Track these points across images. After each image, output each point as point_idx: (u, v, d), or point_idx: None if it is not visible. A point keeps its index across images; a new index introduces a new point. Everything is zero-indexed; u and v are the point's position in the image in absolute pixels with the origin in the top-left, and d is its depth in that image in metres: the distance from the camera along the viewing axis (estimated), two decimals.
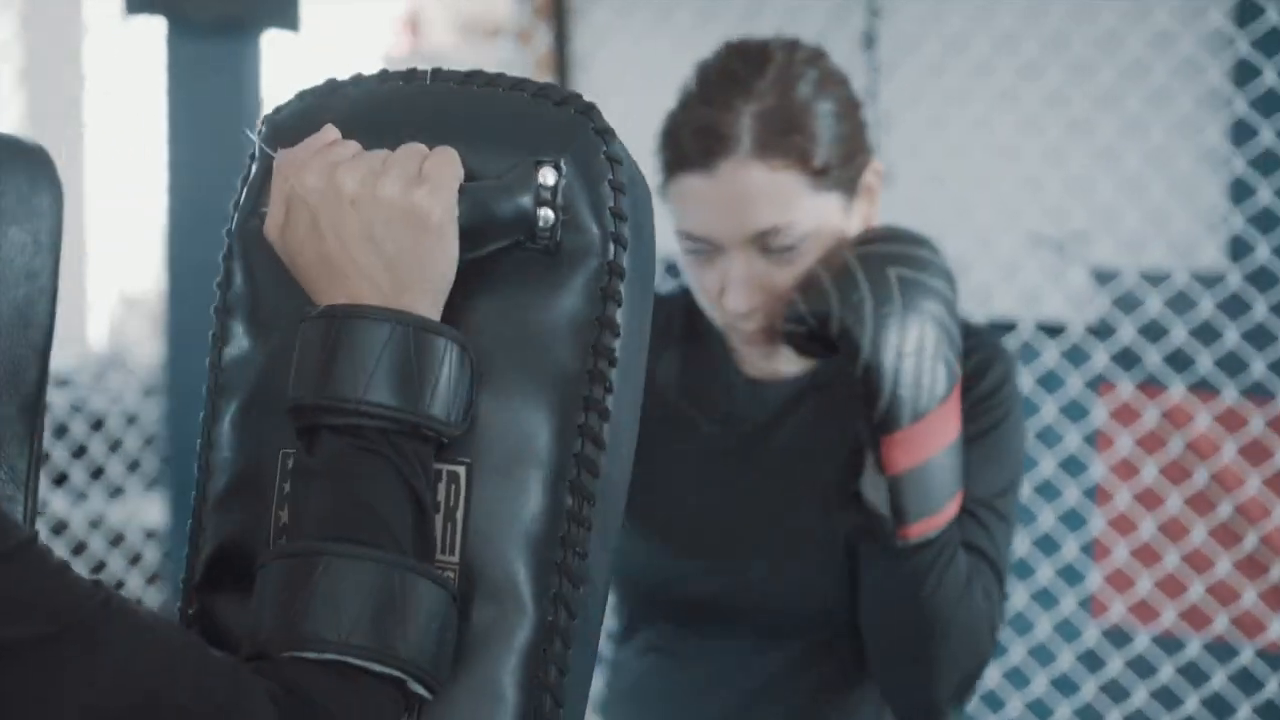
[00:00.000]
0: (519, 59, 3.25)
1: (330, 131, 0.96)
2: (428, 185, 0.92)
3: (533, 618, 0.93)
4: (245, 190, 1.01)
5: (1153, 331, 2.85)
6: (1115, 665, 2.91)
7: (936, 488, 1.47)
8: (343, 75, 1.04)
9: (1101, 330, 2.89)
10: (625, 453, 0.98)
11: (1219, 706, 2.84)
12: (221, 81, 3.41)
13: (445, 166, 0.93)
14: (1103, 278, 2.90)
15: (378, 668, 0.87)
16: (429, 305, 0.93)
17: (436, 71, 1.00)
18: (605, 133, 0.98)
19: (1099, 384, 2.90)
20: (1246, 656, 2.82)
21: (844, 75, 1.59)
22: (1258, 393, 2.79)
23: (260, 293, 0.99)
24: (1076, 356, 2.90)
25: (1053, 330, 2.92)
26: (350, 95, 1.01)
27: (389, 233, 0.92)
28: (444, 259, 0.93)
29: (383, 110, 0.99)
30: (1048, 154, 2.88)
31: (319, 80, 1.04)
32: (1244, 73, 2.76)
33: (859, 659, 1.60)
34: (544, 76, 3.21)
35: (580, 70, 3.17)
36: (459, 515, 0.93)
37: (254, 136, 1.00)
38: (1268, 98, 2.72)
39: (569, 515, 0.94)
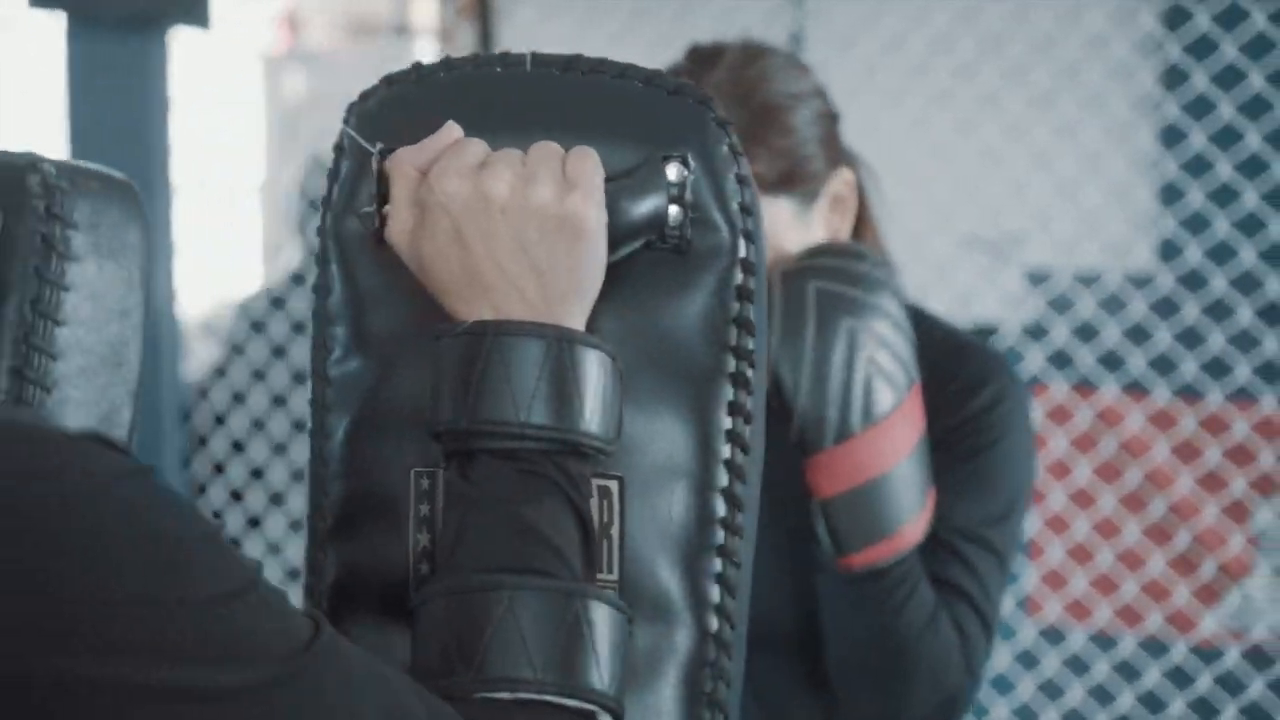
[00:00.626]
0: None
1: (453, 130, 0.90)
2: (579, 190, 0.88)
3: (693, 632, 0.90)
4: (336, 186, 0.95)
5: (1085, 332, 2.87)
6: (1051, 664, 2.93)
7: (880, 513, 1.40)
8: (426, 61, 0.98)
9: (1035, 331, 2.91)
10: (760, 454, 0.94)
11: (1153, 703, 2.88)
12: (126, 80, 3.30)
13: (590, 169, 0.89)
14: (1036, 279, 2.92)
15: (572, 703, 0.83)
16: (578, 316, 0.88)
17: (535, 56, 0.95)
18: (726, 124, 0.93)
19: (1033, 385, 2.92)
20: (1179, 653, 2.86)
21: (818, 86, 1.57)
22: (1189, 393, 2.83)
23: (366, 300, 0.93)
24: (1011, 357, 2.92)
25: (987, 331, 2.93)
26: (444, 83, 0.95)
27: (541, 242, 0.87)
28: (595, 267, 0.89)
29: (489, 101, 0.94)
30: (983, 155, 2.90)
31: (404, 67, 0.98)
32: (1174, 77, 2.80)
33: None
34: None
35: None
36: (614, 532, 0.89)
37: (350, 130, 0.94)
38: (1198, 102, 2.76)
39: (723, 524, 0.91)
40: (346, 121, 0.95)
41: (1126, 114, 2.84)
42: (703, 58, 1.54)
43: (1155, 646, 2.88)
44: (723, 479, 0.91)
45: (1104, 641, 2.91)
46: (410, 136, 0.92)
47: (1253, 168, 2.73)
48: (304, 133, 5.22)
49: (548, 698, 0.82)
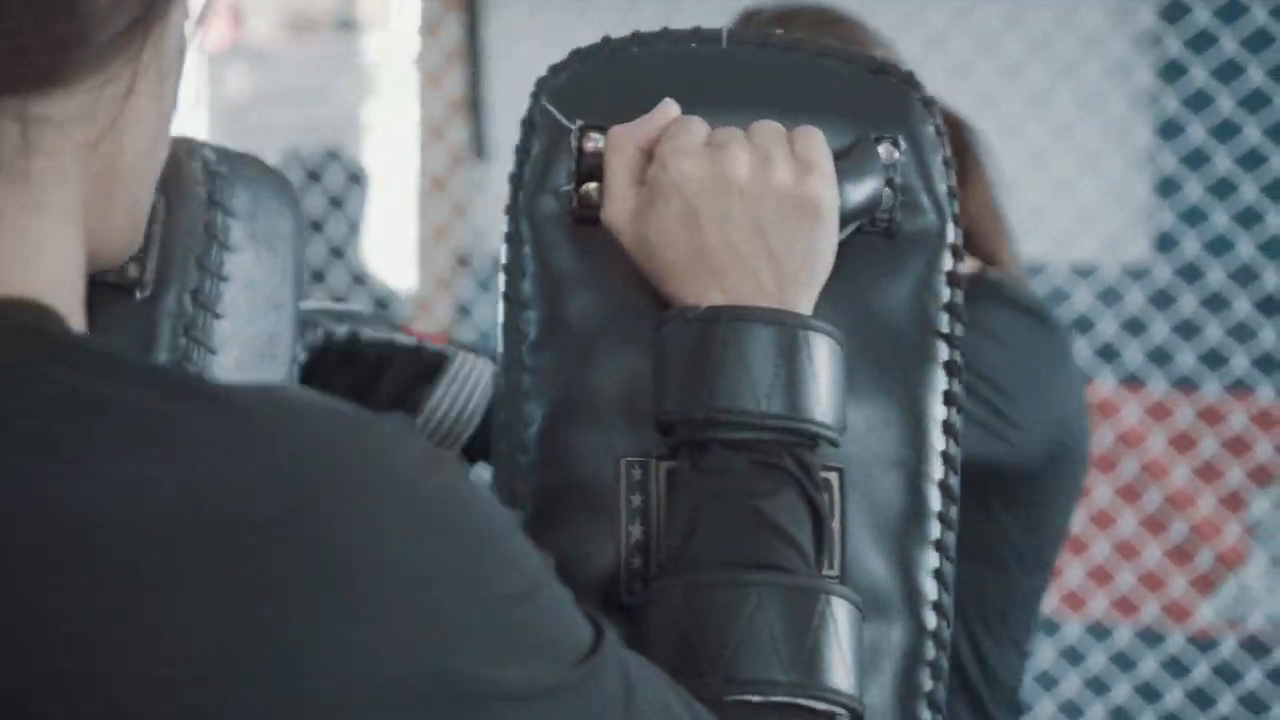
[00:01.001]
0: (426, 50, 3.14)
1: (671, 107, 0.87)
2: (816, 172, 0.85)
3: (910, 628, 0.87)
4: (528, 165, 0.90)
5: (1082, 325, 2.89)
6: (1047, 655, 2.94)
7: None
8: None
9: None
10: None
11: (1149, 693, 2.90)
12: None
13: (821, 149, 0.86)
14: (1032, 271, 2.93)
15: (822, 706, 0.79)
16: (807, 301, 0.85)
17: (731, 32, 0.92)
18: (932, 104, 0.91)
19: None
20: (1175, 643, 2.88)
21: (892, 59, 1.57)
22: (1186, 385, 2.85)
23: (563, 282, 0.89)
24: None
25: None
26: (638, 58, 0.91)
27: (778, 225, 0.84)
28: (829, 252, 0.86)
29: (688, 77, 0.90)
30: None
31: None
32: (1173, 71, 2.81)
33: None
34: (454, 68, 3.11)
35: (497, 61, 3.08)
36: (835, 525, 0.86)
37: (548, 105, 0.90)
38: (1197, 96, 2.78)
39: (939, 518, 0.88)
40: (537, 96, 0.91)
41: (1124, 111, 2.85)
42: (761, 23, 1.53)
43: (1151, 637, 2.90)
44: (938, 471, 0.88)
45: (1099, 632, 2.93)
46: (604, 112, 0.89)
47: (1251, 161, 2.75)
48: (249, 129, 5.14)
49: (800, 700, 0.79)
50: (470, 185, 3.12)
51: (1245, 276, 2.79)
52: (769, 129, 0.86)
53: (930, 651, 0.88)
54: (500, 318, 0.91)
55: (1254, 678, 2.84)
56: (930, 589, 0.88)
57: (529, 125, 0.91)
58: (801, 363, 0.83)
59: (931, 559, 0.88)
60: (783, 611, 0.80)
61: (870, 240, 0.89)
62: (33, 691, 0.57)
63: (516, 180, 0.91)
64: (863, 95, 0.91)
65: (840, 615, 0.81)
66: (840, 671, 0.81)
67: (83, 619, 0.57)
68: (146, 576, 0.57)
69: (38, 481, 0.58)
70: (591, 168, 0.88)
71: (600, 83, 0.90)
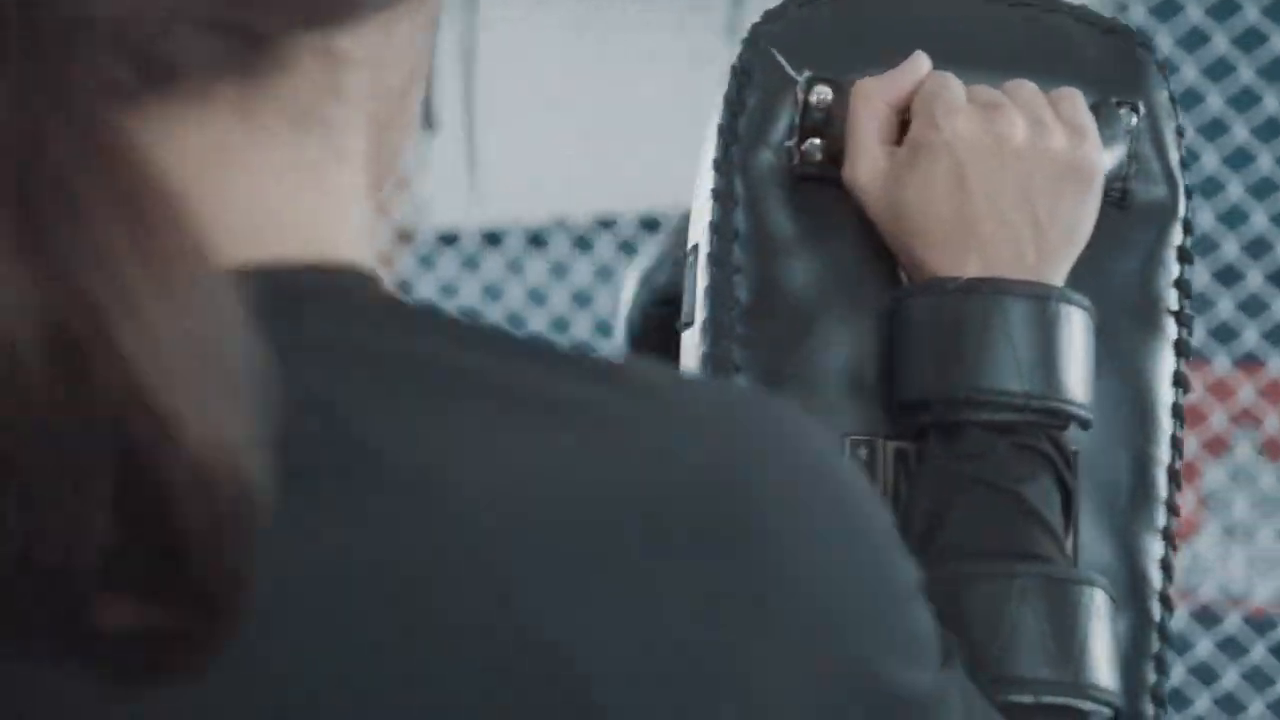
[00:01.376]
0: None
1: (923, 62, 0.82)
2: (1090, 138, 0.81)
3: (1136, 619, 0.84)
4: (744, 117, 0.84)
5: None
6: None
7: None
8: None
9: None
10: None
11: None
12: None
13: (1087, 113, 0.82)
14: None
15: (1088, 705, 0.76)
16: (1063, 273, 0.81)
17: None
18: (1166, 69, 0.89)
19: None
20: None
21: None
22: None
23: (779, 245, 0.83)
24: None
25: None
26: (859, 8, 0.87)
27: (1048, 192, 0.79)
28: (1091, 221, 0.82)
29: (914, 30, 0.86)
30: None
31: None
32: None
33: None
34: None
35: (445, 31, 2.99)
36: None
37: (775, 54, 0.84)
38: (1219, 65, 2.81)
39: (1166, 505, 0.85)
40: (754, 42, 0.85)
41: None
42: None
43: None
44: (1166, 455, 0.85)
45: None
46: (823, 63, 0.84)
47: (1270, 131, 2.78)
48: None
49: (1071, 701, 0.75)
50: (412, 157, 3.03)
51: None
52: (1029, 90, 0.82)
53: (1155, 644, 0.85)
54: (703, 282, 0.84)
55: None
56: (1156, 578, 0.85)
57: (743, 74, 0.85)
58: (1061, 339, 0.79)
59: (1158, 547, 0.85)
60: (1048, 605, 0.76)
61: (1102, 209, 0.85)
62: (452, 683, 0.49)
63: (728, 134, 0.84)
64: (1097, 56, 0.87)
65: (1101, 608, 0.78)
66: (1105, 668, 0.77)
67: (490, 609, 0.50)
68: (558, 563, 0.50)
69: (440, 466, 0.51)
70: (816, 122, 0.82)
71: (819, 32, 0.86)
